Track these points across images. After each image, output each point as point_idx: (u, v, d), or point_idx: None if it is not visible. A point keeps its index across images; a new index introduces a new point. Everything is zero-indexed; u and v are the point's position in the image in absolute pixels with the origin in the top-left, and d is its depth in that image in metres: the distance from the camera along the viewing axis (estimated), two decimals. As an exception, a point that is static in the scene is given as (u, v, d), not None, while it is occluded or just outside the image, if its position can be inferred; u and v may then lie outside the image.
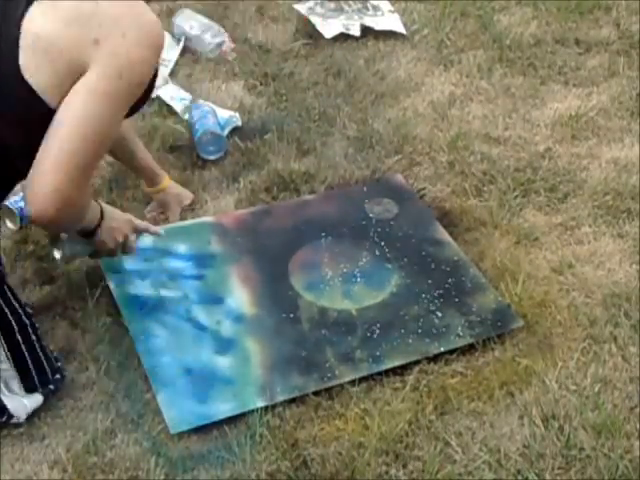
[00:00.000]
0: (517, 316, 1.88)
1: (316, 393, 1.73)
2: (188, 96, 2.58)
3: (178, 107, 2.55)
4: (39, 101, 1.51)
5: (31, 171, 1.52)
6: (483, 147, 2.39)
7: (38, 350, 1.69)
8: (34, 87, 1.49)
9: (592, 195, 2.21)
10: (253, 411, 1.68)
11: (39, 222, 1.58)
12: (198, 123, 2.40)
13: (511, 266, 2.00)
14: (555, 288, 1.95)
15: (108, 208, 1.82)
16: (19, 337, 1.66)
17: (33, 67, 1.49)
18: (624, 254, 2.04)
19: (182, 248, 2.04)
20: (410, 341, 1.83)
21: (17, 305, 1.67)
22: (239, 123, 2.49)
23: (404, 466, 1.60)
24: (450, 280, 1.98)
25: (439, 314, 1.89)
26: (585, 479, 1.57)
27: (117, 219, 1.83)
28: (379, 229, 2.12)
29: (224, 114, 2.49)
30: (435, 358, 1.80)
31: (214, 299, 1.93)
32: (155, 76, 1.62)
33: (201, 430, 1.67)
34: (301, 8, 2.97)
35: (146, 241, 2.03)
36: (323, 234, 2.10)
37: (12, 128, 1.54)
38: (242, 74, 2.71)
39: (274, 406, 1.69)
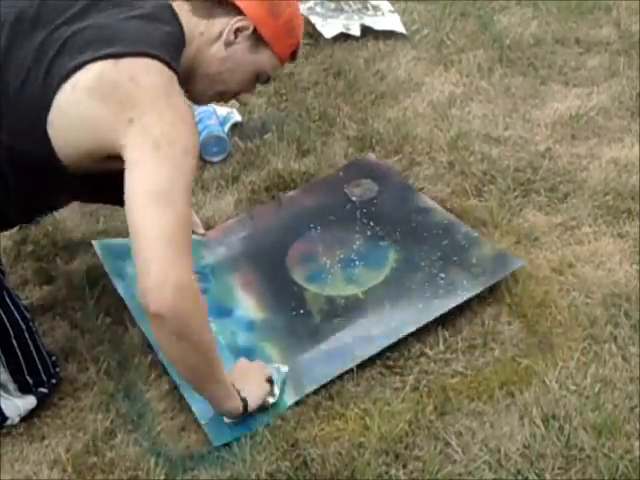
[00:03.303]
0: (517, 258, 1.92)
1: (316, 393, 1.73)
2: (185, 95, 2.59)
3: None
4: (52, 153, 1.52)
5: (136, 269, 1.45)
6: (483, 147, 2.39)
7: (33, 353, 1.68)
8: (53, 143, 1.51)
9: (592, 195, 2.20)
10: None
11: (163, 316, 1.43)
12: (200, 124, 2.40)
13: (511, 266, 2.00)
14: (555, 288, 1.95)
15: (236, 376, 1.66)
16: (15, 342, 1.65)
17: (60, 129, 1.51)
18: (624, 254, 2.04)
19: None
20: (420, 306, 1.86)
21: (15, 310, 1.66)
22: (238, 118, 2.49)
23: (404, 466, 1.60)
24: (445, 242, 2.01)
25: (442, 275, 1.92)
26: (585, 479, 1.57)
27: (252, 376, 1.69)
28: (364, 210, 2.14)
29: (222, 111, 2.50)
30: (435, 358, 1.80)
31: (222, 312, 1.91)
32: None
33: (201, 429, 1.66)
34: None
35: None
36: (312, 225, 2.11)
37: (18, 174, 1.54)
38: (242, 74, 2.71)
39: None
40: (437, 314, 1.83)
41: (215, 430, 1.65)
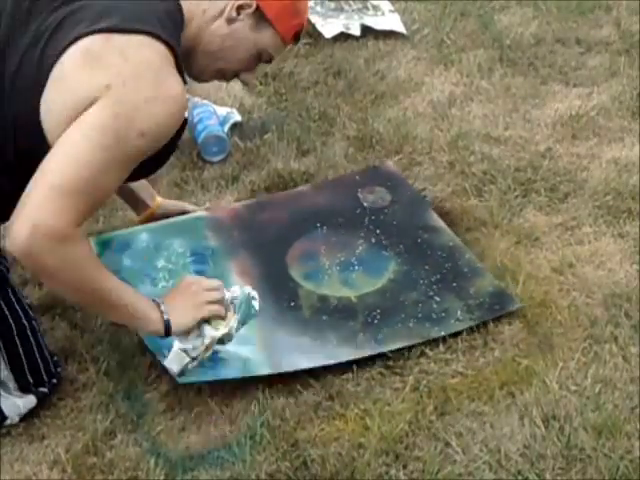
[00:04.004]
0: (515, 298, 1.91)
1: (315, 393, 1.72)
2: (185, 95, 2.59)
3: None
4: (42, 137, 1.49)
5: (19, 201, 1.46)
6: (483, 147, 2.39)
7: (35, 352, 1.69)
8: (42, 122, 1.49)
9: (592, 195, 2.20)
10: (253, 411, 1.68)
11: (13, 253, 1.46)
12: (200, 124, 2.40)
13: (511, 266, 1.99)
14: (555, 288, 1.95)
15: (166, 297, 1.64)
16: (17, 340, 1.66)
17: (50, 104, 1.48)
18: (624, 254, 2.04)
19: (178, 244, 2.03)
20: (411, 325, 1.85)
21: (18, 307, 1.66)
22: (238, 118, 2.49)
23: (404, 466, 1.60)
24: (447, 265, 2.00)
25: (437, 299, 1.91)
26: (586, 479, 1.57)
27: (182, 298, 1.65)
28: (373, 217, 2.14)
29: (222, 111, 2.49)
30: (435, 358, 1.79)
31: None
32: (172, 146, 1.58)
33: (201, 430, 1.66)
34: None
35: (143, 238, 2.02)
36: (318, 224, 2.11)
37: (4, 157, 1.52)
38: (242, 74, 2.71)
39: (274, 406, 1.69)
40: (427, 338, 1.82)
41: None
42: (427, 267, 1.99)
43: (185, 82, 1.58)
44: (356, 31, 2.87)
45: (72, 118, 1.47)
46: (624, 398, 1.70)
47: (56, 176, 1.45)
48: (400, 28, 2.89)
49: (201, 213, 2.13)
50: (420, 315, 1.87)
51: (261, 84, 2.67)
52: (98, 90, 1.46)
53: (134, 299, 1.61)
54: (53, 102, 1.49)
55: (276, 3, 1.66)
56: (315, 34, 2.86)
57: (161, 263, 1.99)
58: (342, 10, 2.98)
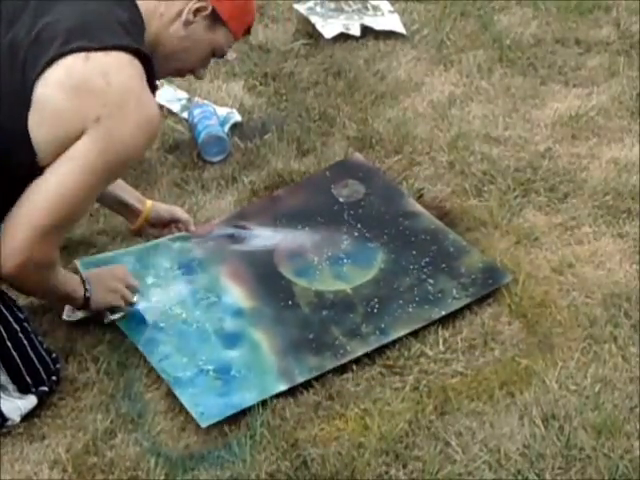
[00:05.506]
0: (505, 271, 1.94)
1: (316, 393, 1.73)
2: (185, 95, 2.59)
3: (175, 107, 2.55)
4: (33, 157, 1.57)
5: (5, 221, 1.59)
6: (483, 147, 2.39)
7: (30, 353, 1.69)
8: (33, 142, 1.56)
9: (592, 195, 2.21)
10: (253, 411, 1.68)
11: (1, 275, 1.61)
12: (200, 124, 2.40)
13: (511, 266, 2.00)
14: (555, 288, 1.95)
15: (92, 275, 1.82)
16: (10, 344, 1.66)
17: (37, 125, 1.56)
18: (624, 254, 2.04)
19: (164, 260, 2.03)
20: (410, 310, 1.87)
21: (7, 312, 1.67)
22: (238, 118, 2.49)
23: (404, 466, 1.60)
24: (433, 248, 2.02)
25: (431, 281, 1.94)
26: (585, 479, 1.57)
27: (105, 281, 1.83)
28: (352, 212, 2.15)
29: (222, 111, 2.49)
30: (435, 358, 1.80)
31: (210, 299, 1.93)
32: None
33: (201, 430, 1.67)
34: (301, 8, 2.97)
35: (127, 259, 2.01)
36: (299, 227, 2.11)
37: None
38: (242, 74, 2.71)
39: (274, 406, 1.69)
40: (429, 320, 1.84)
41: (202, 412, 1.67)
42: (414, 252, 2.02)
43: (156, 87, 1.69)
44: (356, 31, 2.88)
45: (63, 147, 1.56)
46: (623, 398, 1.70)
47: (43, 216, 1.57)
48: (400, 28, 2.89)
49: (184, 234, 2.10)
50: (417, 299, 1.89)
51: (261, 84, 2.67)
52: (87, 122, 1.55)
53: (69, 284, 1.77)
54: (42, 125, 1.56)
55: (230, 4, 1.73)
56: (315, 34, 2.86)
57: (150, 280, 1.98)
58: (342, 10, 2.98)
